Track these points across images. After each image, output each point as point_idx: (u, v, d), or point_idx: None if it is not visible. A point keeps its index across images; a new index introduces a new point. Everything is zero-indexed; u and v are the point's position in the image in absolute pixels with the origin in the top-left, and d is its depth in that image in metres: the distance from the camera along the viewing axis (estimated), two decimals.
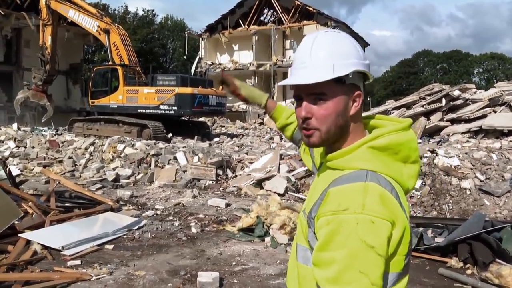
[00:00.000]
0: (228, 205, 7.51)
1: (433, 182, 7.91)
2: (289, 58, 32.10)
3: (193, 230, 6.08)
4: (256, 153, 11.23)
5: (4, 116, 22.87)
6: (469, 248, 4.79)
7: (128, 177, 9.69)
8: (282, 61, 31.59)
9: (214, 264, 4.79)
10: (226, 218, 6.72)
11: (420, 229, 5.61)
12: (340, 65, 1.09)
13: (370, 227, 0.98)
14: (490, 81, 55.35)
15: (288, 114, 1.81)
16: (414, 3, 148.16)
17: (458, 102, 13.90)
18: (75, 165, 10.88)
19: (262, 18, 35.59)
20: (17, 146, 12.99)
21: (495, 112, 13.44)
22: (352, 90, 1.12)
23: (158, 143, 12.53)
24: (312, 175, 7.72)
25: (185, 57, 41.06)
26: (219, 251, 5.21)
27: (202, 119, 20.56)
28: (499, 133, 12.50)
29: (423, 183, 7.94)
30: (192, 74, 30.93)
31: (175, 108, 15.67)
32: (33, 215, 5.71)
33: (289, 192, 8.17)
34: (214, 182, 9.23)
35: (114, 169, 10.16)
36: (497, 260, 4.61)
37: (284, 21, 32.62)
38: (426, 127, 13.25)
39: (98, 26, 16.91)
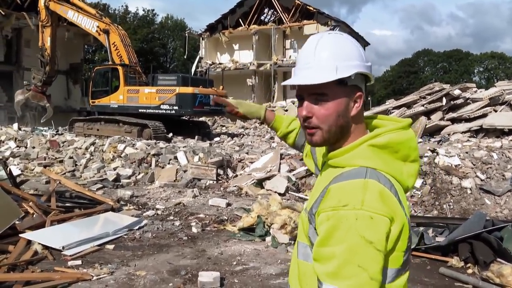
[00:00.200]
0: (228, 204, 7.51)
1: (433, 181, 7.90)
2: (290, 57, 32.08)
3: (194, 230, 6.08)
4: (256, 153, 11.22)
5: (4, 116, 22.89)
6: (470, 248, 4.79)
7: (129, 177, 9.69)
8: (282, 60, 31.57)
9: (214, 264, 4.79)
10: (226, 218, 6.72)
11: (421, 228, 5.61)
12: (342, 67, 1.12)
13: (369, 222, 1.00)
14: (490, 80, 55.32)
15: (288, 123, 1.85)
16: (415, 3, 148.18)
17: (459, 101, 13.90)
18: (76, 165, 10.88)
19: (262, 17, 35.57)
20: (17, 146, 13.00)
21: (495, 111, 13.44)
22: (353, 92, 1.15)
23: (158, 142, 12.53)
24: (313, 175, 7.71)
25: (185, 57, 41.04)
26: (219, 251, 5.21)
27: (202, 118, 20.56)
28: (499, 132, 12.50)
29: (424, 183, 7.93)
30: (192, 74, 30.97)
31: (176, 107, 15.67)
32: (34, 215, 5.71)
33: (289, 192, 8.17)
34: (215, 181, 9.23)
35: (114, 169, 10.16)
36: (498, 259, 4.61)
37: (284, 21, 32.60)
38: (427, 126, 13.25)
39: (98, 27, 16.91)
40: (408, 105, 14.59)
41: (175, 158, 10.32)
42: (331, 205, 1.05)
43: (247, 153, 11.43)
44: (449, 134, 13.03)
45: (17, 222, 5.23)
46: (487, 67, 64.82)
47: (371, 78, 1.19)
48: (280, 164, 9.30)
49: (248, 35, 32.90)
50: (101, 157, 11.23)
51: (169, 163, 10.15)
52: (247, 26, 33.45)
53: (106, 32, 16.71)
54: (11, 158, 11.43)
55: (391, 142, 1.13)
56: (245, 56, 33.57)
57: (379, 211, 1.01)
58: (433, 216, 7.05)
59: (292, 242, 5.36)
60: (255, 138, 17.35)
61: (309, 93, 1.15)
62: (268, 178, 8.68)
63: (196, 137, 15.88)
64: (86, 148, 12.08)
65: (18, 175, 8.99)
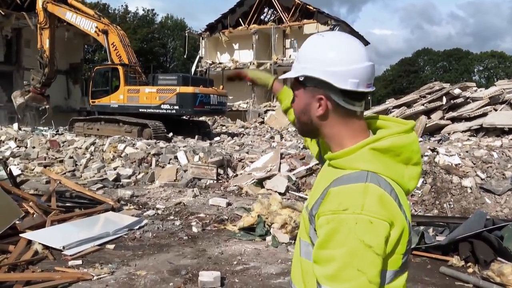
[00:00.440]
0: (229, 204, 7.51)
1: (434, 180, 7.90)
2: (289, 57, 32.05)
3: (194, 229, 6.08)
4: (256, 152, 11.22)
5: (4, 116, 22.89)
6: (470, 247, 4.79)
7: (129, 177, 9.69)
8: (282, 60, 31.53)
9: (215, 263, 4.79)
10: (227, 218, 6.72)
11: (421, 227, 5.60)
12: (298, 68, 1.19)
13: (369, 227, 1.01)
14: (490, 80, 55.31)
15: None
16: (415, 2, 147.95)
17: (459, 100, 13.89)
18: (76, 165, 10.88)
19: (262, 17, 35.54)
20: (17, 146, 13.00)
21: (495, 110, 13.43)
22: (314, 94, 1.17)
23: (158, 142, 12.53)
24: (314, 174, 7.68)
25: (185, 57, 41.04)
26: (220, 251, 5.21)
27: (202, 118, 20.56)
28: (499, 131, 12.50)
29: (424, 182, 7.93)
30: (192, 74, 30.97)
31: (176, 107, 15.68)
32: (34, 215, 5.71)
33: (290, 191, 8.17)
34: (215, 181, 9.23)
35: (114, 168, 10.16)
36: (499, 258, 4.61)
37: (284, 20, 32.58)
38: (427, 125, 13.25)
39: (96, 27, 16.91)
40: (408, 104, 14.58)
41: (175, 157, 10.32)
42: (331, 208, 1.05)
43: (247, 152, 11.43)
44: (449, 133, 13.03)
45: (17, 222, 5.24)
46: (487, 66, 64.79)
47: (334, 85, 1.12)
48: (280, 163, 9.30)
49: (248, 34, 32.88)
50: (101, 157, 11.23)
51: (169, 163, 10.15)
52: (247, 26, 33.43)
53: (105, 32, 16.70)
54: (11, 158, 11.43)
55: (393, 146, 1.12)
56: (245, 56, 33.54)
57: (379, 215, 1.02)
58: (433, 215, 7.05)
59: (293, 241, 5.36)
60: (255, 138, 17.36)
61: None
62: (269, 177, 8.68)
63: (196, 136, 15.89)
64: (86, 148, 12.08)
65: (18, 175, 8.99)
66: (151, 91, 16.08)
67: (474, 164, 8.34)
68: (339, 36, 1.18)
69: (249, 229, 5.90)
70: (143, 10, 64.79)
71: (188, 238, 5.72)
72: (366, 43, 37.66)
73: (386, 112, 14.28)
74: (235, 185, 8.92)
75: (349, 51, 1.14)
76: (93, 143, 12.37)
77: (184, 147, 11.49)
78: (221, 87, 18.46)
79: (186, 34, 37.72)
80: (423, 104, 13.88)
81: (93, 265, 4.54)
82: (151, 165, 10.29)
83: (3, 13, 24.55)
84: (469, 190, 7.67)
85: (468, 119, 13.26)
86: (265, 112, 27.49)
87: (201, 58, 35.06)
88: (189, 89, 15.53)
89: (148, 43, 49.73)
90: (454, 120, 13.64)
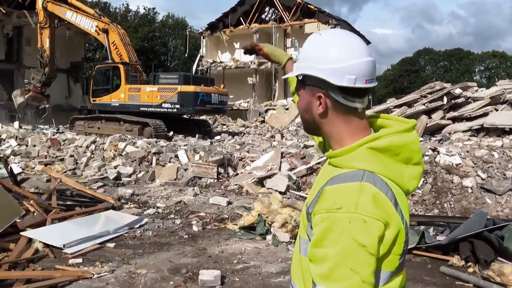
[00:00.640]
0: (229, 203, 7.51)
1: (434, 180, 7.90)
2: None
3: (195, 228, 6.08)
4: (257, 151, 11.23)
5: (5, 114, 22.90)
6: (470, 247, 4.78)
7: (130, 175, 9.70)
8: None
9: (215, 262, 4.79)
10: (227, 216, 6.72)
11: (422, 227, 5.60)
12: (297, 67, 1.21)
13: (362, 226, 1.01)
14: (491, 79, 55.24)
15: None
16: (416, 1, 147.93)
17: (460, 100, 13.86)
18: (77, 163, 10.90)
19: (263, 16, 35.54)
20: (18, 145, 13.02)
21: (496, 110, 13.40)
22: (313, 91, 1.17)
23: (159, 141, 12.54)
24: (314, 173, 7.67)
25: (186, 55, 41.04)
26: (220, 249, 5.21)
27: (203, 117, 20.58)
28: (500, 132, 12.47)
29: (425, 182, 7.93)
30: (193, 72, 30.96)
31: (178, 106, 15.68)
32: (35, 214, 5.71)
33: (290, 190, 8.17)
34: (216, 180, 9.23)
35: (115, 167, 10.17)
36: (499, 258, 4.60)
37: (285, 19, 32.57)
38: (428, 125, 13.23)
39: (97, 26, 16.93)
40: (409, 104, 14.56)
41: (176, 156, 10.32)
42: (326, 207, 1.05)
43: (247, 151, 11.43)
44: (450, 133, 13.00)
45: (18, 220, 5.24)
46: (488, 66, 64.73)
47: (331, 82, 1.12)
48: (281, 162, 9.30)
49: (249, 33, 32.86)
50: (102, 156, 11.24)
51: (169, 162, 10.16)
52: (248, 25, 33.43)
53: (105, 31, 16.71)
54: (12, 156, 11.44)
55: (392, 145, 1.11)
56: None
57: (373, 215, 1.01)
58: (434, 215, 7.05)
59: (293, 240, 5.36)
60: (256, 137, 17.36)
61: None
62: (269, 176, 8.68)
63: (197, 135, 15.91)
64: (87, 147, 12.09)
65: (19, 173, 9.00)
66: (152, 90, 16.09)
67: (475, 164, 8.33)
68: (337, 34, 1.17)
69: (250, 228, 5.90)
70: (144, 8, 65.03)
71: (189, 237, 5.72)
72: (367, 42, 37.59)
73: (387, 111, 14.25)
74: (236, 184, 8.92)
75: (345, 48, 1.13)
76: (93, 142, 12.39)
77: (184, 146, 11.49)
78: (222, 86, 18.47)
79: (187, 33, 37.75)
80: (424, 104, 13.85)
81: (93, 264, 4.54)
82: (151, 163, 10.29)
83: (4, 11, 24.57)
84: (469, 190, 7.66)
85: (469, 119, 13.24)
86: (266, 111, 27.50)
87: (202, 57, 35.07)
88: (191, 88, 15.54)
89: (149, 42, 49.76)
90: (455, 120, 13.61)
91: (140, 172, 9.96)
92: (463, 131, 12.89)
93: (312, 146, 11.19)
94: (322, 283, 1.01)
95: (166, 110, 15.84)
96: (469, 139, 11.90)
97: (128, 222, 6.01)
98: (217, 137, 16.68)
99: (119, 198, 7.69)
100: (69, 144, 12.62)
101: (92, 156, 11.31)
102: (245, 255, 5.04)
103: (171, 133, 15.62)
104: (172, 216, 6.77)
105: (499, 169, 8.13)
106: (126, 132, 15.07)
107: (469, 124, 13.05)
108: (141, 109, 16.12)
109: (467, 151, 8.97)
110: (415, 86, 41.82)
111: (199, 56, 35.73)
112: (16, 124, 17.45)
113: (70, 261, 4.60)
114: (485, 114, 13.11)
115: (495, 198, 7.50)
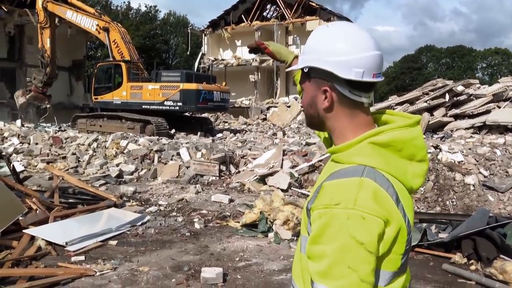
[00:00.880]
0: (231, 201, 7.52)
1: (436, 177, 7.88)
2: None
3: (197, 226, 6.09)
4: (259, 149, 11.23)
5: (7, 112, 22.95)
6: (473, 244, 4.78)
7: (131, 173, 9.70)
8: None
9: (217, 259, 4.80)
10: (229, 214, 6.73)
11: (424, 224, 5.60)
12: (303, 59, 1.17)
13: (361, 223, 0.98)
14: (494, 77, 55.07)
15: None
16: None
17: (462, 97, 13.84)
18: (79, 161, 10.91)
19: (264, 13, 35.46)
20: (20, 143, 13.05)
21: (499, 107, 13.37)
22: (319, 85, 1.14)
23: (161, 139, 12.55)
24: (316, 171, 7.66)
25: (187, 53, 41.04)
26: (222, 247, 5.22)
27: (205, 115, 20.59)
28: (503, 129, 12.44)
29: (427, 179, 7.91)
30: (195, 70, 30.94)
31: (180, 104, 15.70)
32: (37, 211, 5.73)
33: (292, 188, 8.17)
34: (217, 178, 9.24)
35: (117, 165, 10.18)
36: (501, 256, 4.60)
37: (287, 17, 32.52)
38: (430, 122, 13.21)
39: (97, 25, 16.95)
40: (411, 101, 14.54)
41: (178, 154, 10.33)
42: (324, 203, 1.02)
43: (249, 149, 11.43)
44: (452, 131, 12.98)
45: (20, 218, 5.25)
46: (491, 63, 64.53)
47: (338, 75, 1.10)
48: (282, 160, 9.30)
49: (250, 31, 32.80)
50: (104, 153, 11.25)
51: (171, 159, 10.16)
52: (249, 22, 33.37)
53: (106, 30, 16.73)
54: (14, 154, 11.47)
55: (393, 141, 1.08)
56: (248, 52, 33.44)
57: (372, 211, 0.98)
58: (436, 212, 7.05)
59: (295, 238, 5.37)
60: (258, 134, 17.36)
61: None
62: (271, 174, 8.68)
63: (199, 133, 15.92)
64: (89, 145, 12.10)
65: (21, 171, 9.01)
66: (154, 87, 16.10)
67: (477, 161, 8.32)
68: (345, 26, 1.15)
69: (252, 226, 5.91)
70: (146, 6, 64.86)
71: (191, 234, 5.73)
72: None
73: (388, 109, 14.22)
74: (238, 182, 8.92)
75: (353, 40, 1.11)
76: (95, 140, 12.40)
77: (186, 143, 11.50)
78: (223, 83, 18.46)
79: (189, 31, 37.70)
80: (426, 101, 13.83)
81: (96, 261, 4.56)
82: (153, 161, 10.30)
83: (6, 10, 24.57)
84: (472, 188, 7.65)
85: (471, 116, 13.22)
86: (268, 108, 27.48)
87: (203, 54, 35.05)
88: (193, 86, 15.55)
89: (151, 39, 49.69)
90: (457, 117, 13.59)
91: (142, 170, 9.96)
92: (465, 129, 12.86)
93: (314, 143, 11.19)
94: (320, 281, 0.99)
95: (168, 107, 15.86)
96: (471, 136, 11.88)
97: (130, 219, 6.02)
98: (219, 135, 16.68)
99: (121, 196, 7.70)
100: (71, 142, 12.64)
101: (94, 154, 11.33)
102: (247, 253, 5.04)
103: (173, 131, 15.64)
104: (174, 213, 6.78)
105: (501, 166, 8.11)
106: (128, 130, 15.09)
107: (471, 121, 13.03)
108: (143, 107, 16.14)
109: (469, 149, 8.95)
110: (417, 83, 41.76)
111: (200, 53, 35.71)
112: (19, 122, 17.49)
113: (73, 259, 4.61)
114: (487, 112, 13.08)
115: (497, 195, 7.49)
